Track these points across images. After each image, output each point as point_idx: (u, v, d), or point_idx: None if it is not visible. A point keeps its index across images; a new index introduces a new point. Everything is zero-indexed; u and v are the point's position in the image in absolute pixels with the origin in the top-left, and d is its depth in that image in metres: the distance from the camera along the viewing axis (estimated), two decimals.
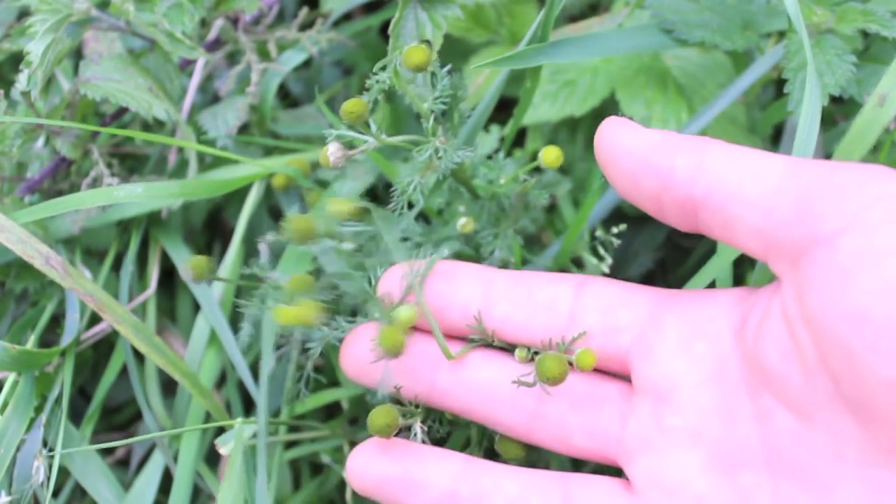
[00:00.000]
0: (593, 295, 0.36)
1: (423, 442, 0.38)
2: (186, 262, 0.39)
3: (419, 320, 0.37)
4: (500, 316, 0.37)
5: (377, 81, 0.37)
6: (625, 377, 0.36)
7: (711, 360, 0.33)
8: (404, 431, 0.38)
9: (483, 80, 0.54)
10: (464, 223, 0.44)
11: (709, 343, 0.33)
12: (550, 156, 0.39)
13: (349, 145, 0.38)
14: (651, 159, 0.32)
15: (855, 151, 0.36)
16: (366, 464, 0.36)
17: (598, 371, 0.36)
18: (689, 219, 0.32)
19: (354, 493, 0.48)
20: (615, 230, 0.43)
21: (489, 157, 0.44)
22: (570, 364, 0.34)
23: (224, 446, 0.41)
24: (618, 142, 0.32)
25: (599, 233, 0.44)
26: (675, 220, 0.33)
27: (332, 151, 0.37)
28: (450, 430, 0.42)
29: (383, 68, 0.36)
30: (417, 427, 0.38)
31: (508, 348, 0.38)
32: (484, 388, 0.37)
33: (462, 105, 0.42)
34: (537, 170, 0.41)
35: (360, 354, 0.38)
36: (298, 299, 0.37)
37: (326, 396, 0.49)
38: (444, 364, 0.37)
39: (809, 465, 0.29)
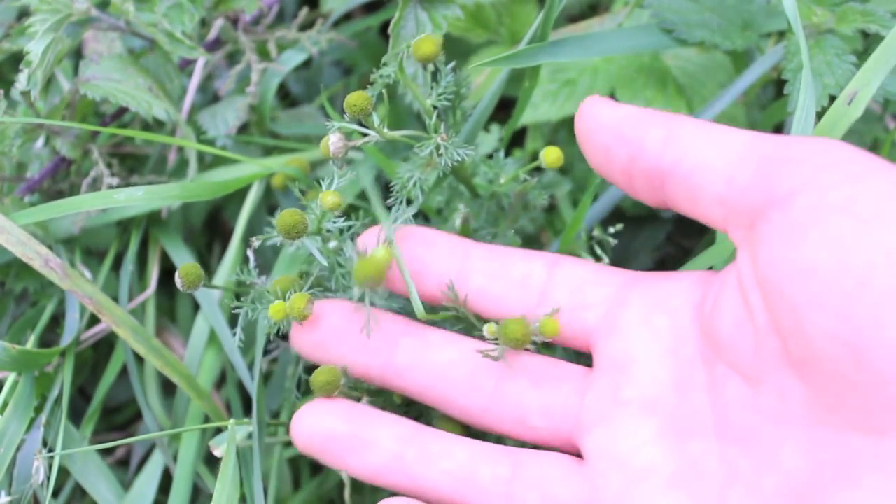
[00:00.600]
0: (565, 273, 0.37)
1: None
2: (178, 271, 0.38)
3: (389, 277, 0.37)
4: (474, 288, 0.37)
5: (381, 76, 0.37)
6: (587, 359, 0.37)
7: (670, 333, 0.34)
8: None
9: (483, 80, 0.54)
10: (461, 222, 0.44)
11: (669, 317, 0.34)
12: (551, 156, 0.39)
13: (349, 137, 0.38)
14: (624, 131, 0.33)
15: None
16: (313, 420, 0.36)
17: (561, 356, 0.37)
18: (657, 191, 0.33)
19: (353, 494, 0.48)
20: (612, 230, 0.43)
21: (489, 157, 0.44)
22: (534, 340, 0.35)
23: (218, 447, 0.41)
24: (596, 116, 0.34)
25: (597, 232, 0.44)
26: (643, 193, 0.34)
27: (334, 142, 0.37)
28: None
29: (387, 63, 0.36)
30: (364, 402, 0.39)
31: (477, 323, 0.38)
32: (442, 368, 0.37)
33: (464, 103, 0.42)
34: (537, 169, 0.41)
35: (316, 332, 0.38)
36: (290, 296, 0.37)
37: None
38: (404, 343, 0.38)
39: (757, 429, 0.30)
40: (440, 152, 0.38)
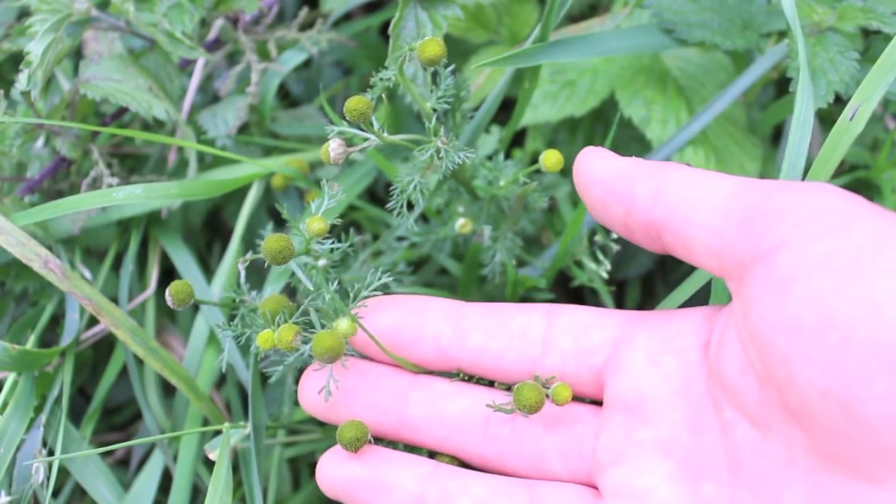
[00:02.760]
0: (565, 319, 0.37)
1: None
2: (169, 289, 0.38)
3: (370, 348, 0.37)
4: (474, 347, 0.37)
5: (381, 79, 0.37)
6: (597, 401, 0.37)
7: (680, 374, 0.34)
8: None
9: (483, 81, 0.54)
10: (462, 224, 0.44)
11: (677, 358, 0.34)
12: (551, 160, 0.39)
13: (350, 143, 0.38)
14: (616, 187, 0.34)
15: (827, 164, 0.37)
16: (336, 467, 0.36)
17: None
18: (655, 241, 0.34)
19: None
20: (614, 235, 0.43)
21: (489, 158, 0.44)
22: (547, 396, 0.35)
23: (213, 451, 0.41)
24: (590, 171, 0.34)
25: (599, 237, 0.44)
26: (644, 243, 0.35)
27: (334, 147, 0.37)
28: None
29: (387, 66, 0.36)
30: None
31: (484, 383, 0.38)
32: (456, 419, 0.37)
33: (464, 106, 0.42)
34: (537, 171, 0.41)
35: (318, 389, 0.38)
36: (278, 323, 0.37)
37: None
38: (415, 397, 0.38)
39: (766, 473, 0.30)
40: (440, 156, 0.38)
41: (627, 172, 0.34)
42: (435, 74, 0.39)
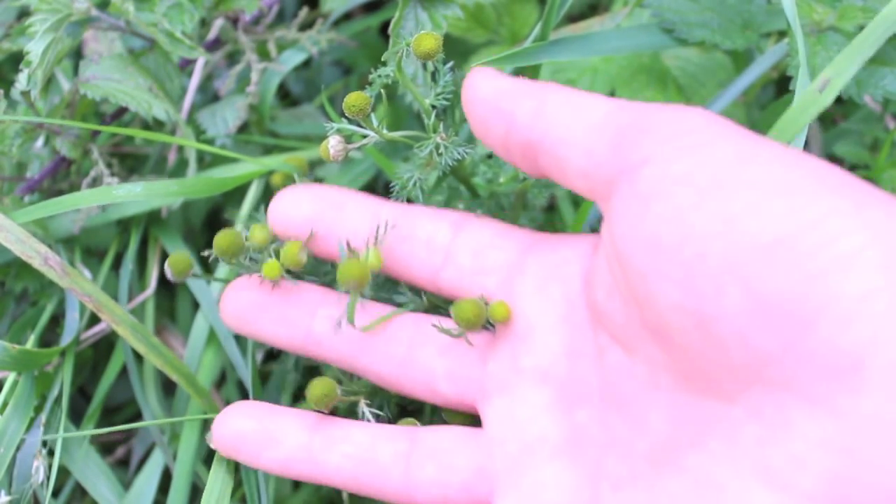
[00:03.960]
0: (468, 236, 0.37)
1: (370, 421, 0.38)
2: (167, 261, 0.39)
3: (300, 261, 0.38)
4: (383, 249, 0.38)
5: (379, 76, 0.37)
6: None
7: (563, 301, 0.34)
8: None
9: None
10: None
11: (562, 285, 0.34)
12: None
13: (348, 140, 0.38)
14: (499, 105, 0.33)
15: (786, 133, 0.36)
16: (225, 423, 0.37)
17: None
18: (532, 164, 0.34)
19: (352, 494, 0.48)
20: None
21: (489, 157, 0.44)
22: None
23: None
24: (476, 88, 0.34)
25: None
26: (522, 165, 0.35)
27: (333, 144, 0.37)
28: (397, 412, 0.43)
29: (386, 63, 0.36)
30: (362, 405, 0.39)
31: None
32: (358, 337, 0.38)
33: None
34: None
35: (240, 302, 0.39)
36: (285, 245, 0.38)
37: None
38: (321, 314, 0.38)
39: (633, 396, 0.31)
40: (440, 152, 0.38)
41: (511, 91, 0.33)
42: (434, 71, 0.39)
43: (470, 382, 0.36)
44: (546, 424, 0.33)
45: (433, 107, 0.38)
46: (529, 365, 0.34)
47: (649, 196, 0.28)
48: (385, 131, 0.38)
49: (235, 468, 0.52)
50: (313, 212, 0.38)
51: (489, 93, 0.34)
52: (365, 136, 0.38)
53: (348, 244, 0.37)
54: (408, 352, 0.37)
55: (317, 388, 0.37)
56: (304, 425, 0.37)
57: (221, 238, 0.38)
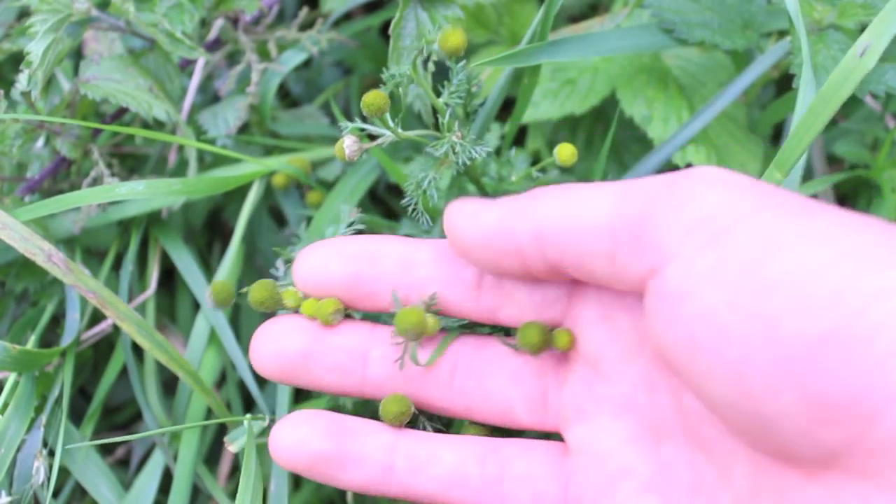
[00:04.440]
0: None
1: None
2: (209, 289, 0.37)
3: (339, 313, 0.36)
4: (421, 278, 0.36)
5: (393, 76, 0.37)
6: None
7: (632, 330, 0.33)
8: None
9: (483, 80, 0.54)
10: None
11: (628, 315, 0.33)
12: (565, 153, 0.39)
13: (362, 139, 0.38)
14: (498, 245, 0.32)
15: (830, 103, 0.35)
16: (294, 438, 0.34)
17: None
18: (567, 277, 0.32)
19: (355, 496, 0.48)
20: None
21: (497, 153, 0.44)
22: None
23: (234, 443, 0.41)
24: (464, 234, 0.33)
25: None
26: (556, 281, 0.34)
27: (349, 144, 0.37)
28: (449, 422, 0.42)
29: (388, 65, 0.36)
30: (423, 421, 0.38)
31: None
32: (420, 375, 0.36)
33: (475, 101, 0.42)
34: (542, 169, 0.42)
35: (281, 351, 0.36)
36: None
37: (328, 402, 0.49)
38: (374, 356, 0.36)
39: (715, 442, 0.30)
40: (455, 150, 0.38)
41: (501, 224, 0.32)
42: (434, 71, 0.39)
43: (548, 411, 0.35)
44: (631, 457, 0.32)
45: (447, 104, 0.38)
46: (606, 393, 0.33)
47: (679, 297, 0.27)
48: (400, 130, 0.37)
49: (234, 468, 0.52)
50: (345, 270, 0.35)
51: (480, 236, 0.32)
52: (374, 137, 0.37)
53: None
54: (477, 384, 0.36)
55: (392, 405, 0.35)
56: (382, 444, 0.35)
57: (257, 290, 0.36)
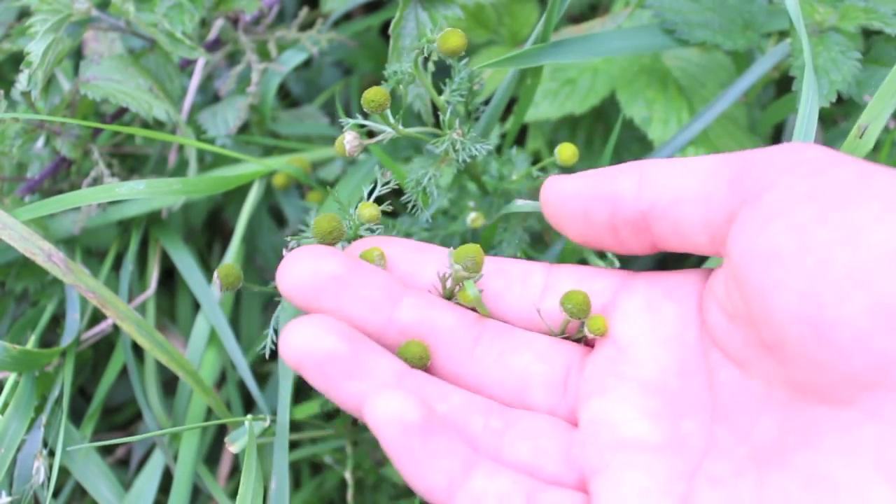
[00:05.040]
0: (566, 271, 0.37)
1: None
2: (217, 271, 0.37)
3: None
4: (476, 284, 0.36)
5: (395, 73, 0.37)
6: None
7: (676, 320, 0.34)
8: None
9: (485, 78, 0.54)
10: (474, 217, 0.44)
11: (676, 305, 0.35)
12: (566, 152, 0.39)
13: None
14: (597, 189, 0.34)
15: None
16: (310, 335, 0.33)
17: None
18: (644, 235, 0.34)
19: (356, 494, 0.48)
20: None
21: (498, 151, 0.44)
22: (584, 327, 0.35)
23: (235, 444, 0.41)
24: (563, 189, 0.35)
25: None
26: (632, 243, 0.35)
27: (349, 140, 0.37)
28: None
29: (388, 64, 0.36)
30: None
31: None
32: (446, 332, 0.36)
33: (476, 99, 0.42)
34: (542, 169, 0.42)
35: (314, 273, 0.34)
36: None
37: (329, 402, 0.49)
38: (407, 302, 0.35)
39: (743, 408, 0.31)
40: (456, 148, 0.38)
41: (605, 174, 0.34)
42: (433, 70, 0.39)
43: (566, 392, 0.36)
44: (646, 429, 0.33)
45: (448, 102, 0.38)
46: (631, 374, 0.34)
47: (771, 215, 0.29)
48: (401, 127, 0.37)
49: (234, 469, 0.52)
50: (396, 257, 0.37)
51: (581, 186, 0.35)
52: (372, 133, 0.37)
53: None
54: (499, 357, 0.36)
55: (413, 346, 0.34)
56: (393, 367, 0.34)
57: (324, 221, 0.35)
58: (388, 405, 0.31)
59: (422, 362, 0.35)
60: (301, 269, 0.34)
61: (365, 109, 0.35)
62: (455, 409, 0.34)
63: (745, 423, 0.31)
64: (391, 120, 0.37)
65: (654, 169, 0.33)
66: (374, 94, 0.35)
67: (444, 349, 0.36)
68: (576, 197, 0.35)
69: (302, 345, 0.32)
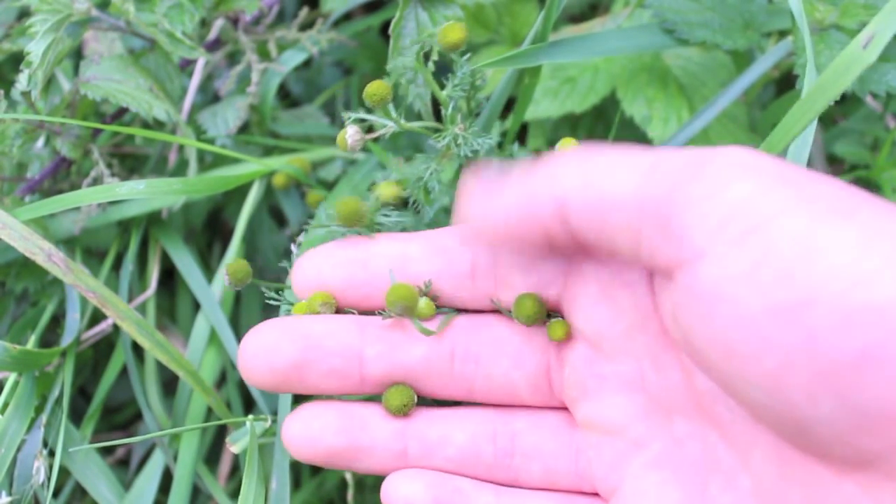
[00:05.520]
0: (511, 256, 0.35)
1: None
2: (226, 267, 0.37)
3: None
4: (415, 272, 0.35)
5: (397, 67, 0.37)
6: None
7: (634, 309, 0.32)
8: None
9: (487, 75, 0.54)
10: None
11: (629, 291, 0.32)
12: (569, 146, 0.39)
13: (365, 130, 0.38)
14: (518, 226, 0.31)
15: (826, 93, 0.35)
16: (308, 437, 0.34)
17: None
18: (585, 250, 0.32)
19: (356, 494, 0.48)
20: None
21: (500, 146, 0.44)
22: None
23: (236, 444, 0.41)
24: (484, 214, 0.32)
25: None
26: (553, 259, 0.34)
27: (351, 134, 0.37)
28: None
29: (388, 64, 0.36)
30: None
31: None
32: (419, 366, 0.35)
33: (479, 95, 0.42)
34: None
35: (266, 361, 0.34)
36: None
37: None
38: (370, 353, 0.35)
39: (731, 423, 0.30)
40: (458, 142, 0.38)
41: (521, 207, 0.31)
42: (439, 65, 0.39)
43: (553, 388, 0.35)
44: (642, 431, 0.32)
45: (450, 97, 0.38)
46: (609, 372, 0.33)
47: (714, 298, 0.26)
48: (403, 121, 0.37)
49: (234, 468, 0.52)
50: (340, 276, 0.35)
51: (501, 211, 0.31)
52: (372, 129, 0.37)
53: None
54: (477, 368, 0.35)
55: (394, 398, 0.35)
56: (392, 431, 0.35)
57: (344, 205, 0.35)
58: (399, 493, 0.34)
59: (407, 409, 0.35)
60: (258, 364, 0.34)
61: (367, 103, 0.35)
62: (462, 447, 0.35)
63: (739, 443, 0.30)
64: (393, 114, 0.37)
65: (573, 200, 0.29)
66: (376, 88, 0.35)
67: (426, 381, 0.36)
68: (504, 230, 0.32)
69: (303, 445, 0.34)
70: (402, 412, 0.35)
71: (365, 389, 0.36)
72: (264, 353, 0.34)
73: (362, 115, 0.37)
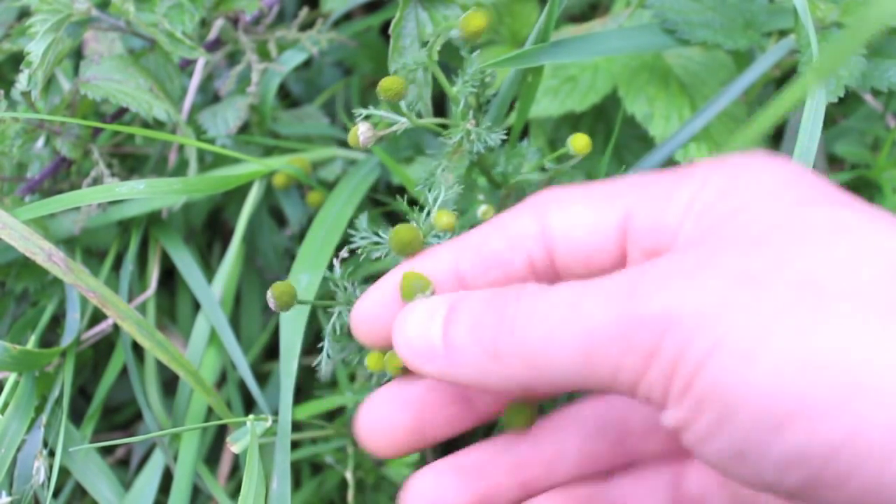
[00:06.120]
0: (559, 217, 0.32)
1: None
2: (271, 290, 0.35)
3: None
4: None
5: (406, 64, 0.37)
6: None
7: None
8: None
9: (495, 72, 0.54)
10: (485, 210, 0.44)
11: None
12: (580, 143, 0.39)
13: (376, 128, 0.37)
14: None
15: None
16: (435, 499, 0.33)
17: None
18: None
19: (356, 494, 0.48)
20: None
21: (503, 143, 0.44)
22: None
23: (236, 444, 0.41)
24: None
25: None
26: None
27: (363, 131, 0.36)
28: None
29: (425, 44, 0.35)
30: None
31: None
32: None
33: (488, 91, 0.42)
34: (556, 159, 0.41)
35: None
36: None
37: (331, 402, 0.49)
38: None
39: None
40: (471, 138, 0.38)
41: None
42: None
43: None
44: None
45: (462, 94, 0.38)
46: None
47: (726, 415, 0.24)
48: (415, 118, 0.37)
49: (234, 468, 0.52)
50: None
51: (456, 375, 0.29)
52: (374, 127, 0.37)
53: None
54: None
55: (516, 419, 0.33)
56: (508, 472, 0.33)
57: (402, 232, 0.34)
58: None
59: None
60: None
61: (381, 98, 0.35)
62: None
63: None
64: (405, 110, 0.37)
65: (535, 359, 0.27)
66: (391, 83, 0.35)
67: None
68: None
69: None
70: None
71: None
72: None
73: (374, 111, 0.37)
